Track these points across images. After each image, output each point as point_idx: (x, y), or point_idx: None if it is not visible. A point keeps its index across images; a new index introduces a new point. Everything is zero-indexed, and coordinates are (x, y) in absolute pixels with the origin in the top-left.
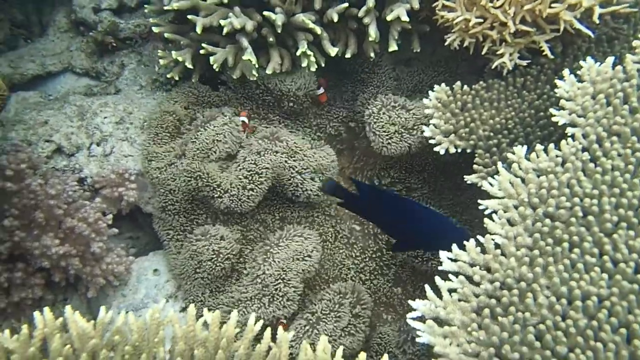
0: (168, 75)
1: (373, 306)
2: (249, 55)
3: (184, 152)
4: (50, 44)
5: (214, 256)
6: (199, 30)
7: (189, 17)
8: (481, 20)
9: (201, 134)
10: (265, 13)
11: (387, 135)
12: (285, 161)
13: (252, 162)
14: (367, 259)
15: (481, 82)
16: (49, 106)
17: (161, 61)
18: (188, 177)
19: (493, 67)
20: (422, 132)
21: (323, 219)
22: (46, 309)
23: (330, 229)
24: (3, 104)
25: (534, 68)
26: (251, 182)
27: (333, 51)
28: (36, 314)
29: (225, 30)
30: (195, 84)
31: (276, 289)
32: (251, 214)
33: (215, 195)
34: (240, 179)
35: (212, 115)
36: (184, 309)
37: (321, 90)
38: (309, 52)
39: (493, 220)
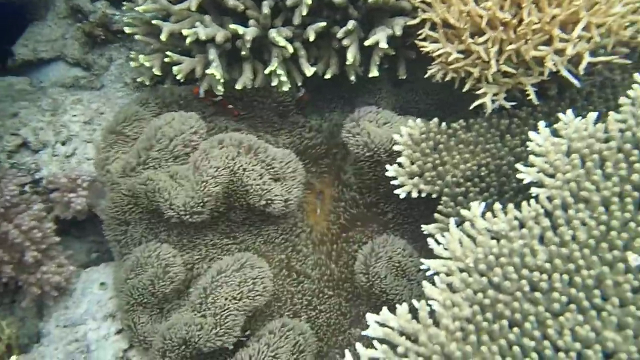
0: (138, 80)
1: (324, 347)
2: (214, 70)
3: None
4: (47, 29)
5: (153, 279)
6: (163, 37)
7: (154, 22)
8: (462, 55)
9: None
10: (232, 26)
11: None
12: (240, 161)
13: (200, 166)
14: (326, 289)
15: (461, 121)
16: (27, 97)
17: (132, 64)
18: (138, 184)
19: (471, 107)
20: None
21: (282, 237)
22: None
23: (290, 249)
24: None
25: (524, 110)
26: (200, 190)
27: (309, 71)
28: None
29: (188, 41)
30: (168, 88)
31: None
32: (210, 225)
33: (163, 206)
34: (186, 185)
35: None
36: (119, 332)
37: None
38: (279, 71)
39: (433, 284)
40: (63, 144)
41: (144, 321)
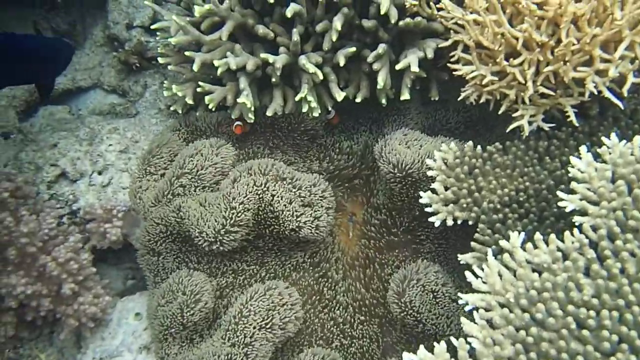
0: (171, 108)
1: None
2: (244, 98)
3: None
4: (85, 57)
5: (182, 307)
6: (195, 68)
7: (187, 53)
8: (497, 77)
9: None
10: (262, 55)
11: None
12: (269, 187)
13: (229, 193)
14: (358, 316)
15: (497, 144)
16: (66, 126)
17: (165, 92)
18: (169, 212)
19: (508, 130)
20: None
21: (312, 262)
22: None
23: (320, 275)
24: None
25: (563, 131)
26: (230, 217)
27: (340, 96)
28: None
29: (219, 71)
30: (200, 115)
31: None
32: (240, 252)
33: (193, 233)
34: (216, 212)
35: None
36: None
37: (332, 114)
38: (309, 98)
39: (473, 320)
40: (99, 173)
41: (175, 352)
